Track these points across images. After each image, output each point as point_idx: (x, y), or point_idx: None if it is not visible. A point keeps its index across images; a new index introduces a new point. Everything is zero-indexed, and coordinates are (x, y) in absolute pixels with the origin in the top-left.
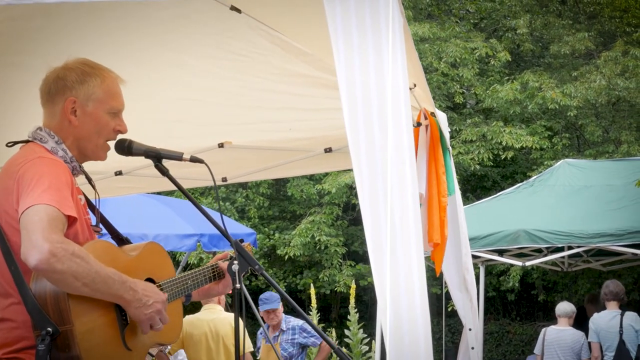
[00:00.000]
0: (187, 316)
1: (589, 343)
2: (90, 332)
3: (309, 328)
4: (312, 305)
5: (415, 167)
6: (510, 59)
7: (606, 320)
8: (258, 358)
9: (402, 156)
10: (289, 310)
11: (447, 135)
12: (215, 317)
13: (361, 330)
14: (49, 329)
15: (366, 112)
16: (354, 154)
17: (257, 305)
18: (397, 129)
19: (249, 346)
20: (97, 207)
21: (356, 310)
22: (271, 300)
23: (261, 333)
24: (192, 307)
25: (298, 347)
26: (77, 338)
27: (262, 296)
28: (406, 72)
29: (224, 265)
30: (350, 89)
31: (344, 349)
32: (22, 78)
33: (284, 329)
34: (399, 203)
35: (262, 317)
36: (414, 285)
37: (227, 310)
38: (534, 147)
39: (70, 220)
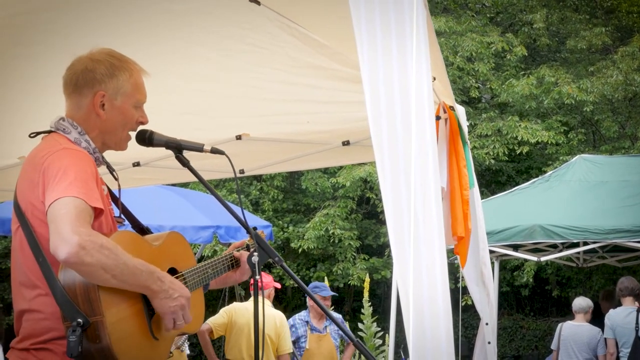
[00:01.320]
0: (234, 303)
1: (605, 339)
2: (119, 322)
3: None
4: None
5: (437, 160)
6: (526, 54)
7: (622, 316)
8: (307, 348)
9: (425, 149)
10: (302, 304)
11: (465, 129)
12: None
13: (375, 324)
14: (80, 320)
15: (389, 105)
16: (377, 146)
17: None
18: (420, 122)
19: (288, 347)
20: (119, 197)
21: (370, 303)
22: (322, 287)
23: (302, 320)
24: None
25: (340, 338)
26: (108, 329)
27: (315, 284)
28: (429, 64)
29: (238, 254)
30: (373, 81)
31: None
32: (33, 69)
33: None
34: (422, 196)
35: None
36: (436, 280)
37: (240, 300)
38: (549, 142)
39: (97, 212)
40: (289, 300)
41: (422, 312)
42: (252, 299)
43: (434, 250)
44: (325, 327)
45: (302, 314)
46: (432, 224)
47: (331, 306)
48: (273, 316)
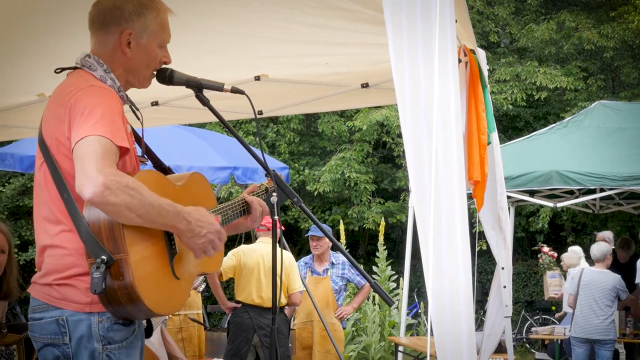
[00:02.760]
0: (242, 245)
1: (637, 284)
2: (142, 260)
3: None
4: (340, 241)
5: (460, 103)
6: None
7: None
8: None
9: (447, 92)
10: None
11: (485, 73)
12: (269, 250)
13: (389, 267)
14: (104, 257)
15: (411, 47)
16: (399, 89)
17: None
18: (443, 65)
19: (298, 285)
20: (142, 137)
21: (384, 247)
22: (317, 229)
23: (305, 263)
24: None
25: (345, 282)
26: (132, 267)
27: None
28: (453, 5)
29: (250, 199)
30: (395, 22)
31: None
32: (56, 6)
33: (334, 263)
34: (443, 139)
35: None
36: (455, 224)
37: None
38: (568, 88)
39: (122, 151)
40: (304, 243)
41: (441, 258)
42: (259, 240)
43: (454, 195)
44: (326, 269)
45: (307, 257)
46: (452, 168)
47: (347, 248)
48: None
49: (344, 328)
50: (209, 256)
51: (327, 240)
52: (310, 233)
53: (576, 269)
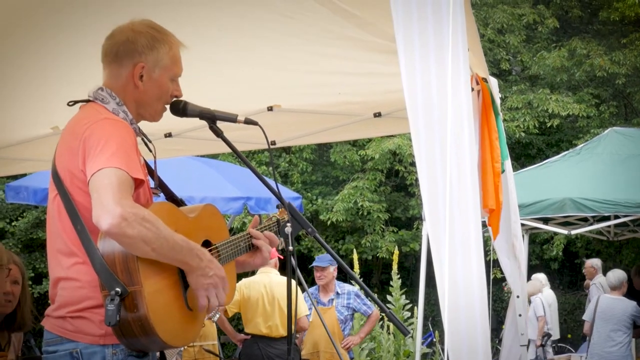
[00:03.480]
0: (243, 279)
1: None
2: (157, 293)
3: (362, 295)
4: (354, 270)
5: (474, 132)
6: (558, 26)
7: None
8: (310, 320)
9: (461, 121)
10: (339, 277)
11: (498, 101)
12: (271, 280)
13: (403, 297)
14: (118, 289)
15: (424, 76)
16: (412, 118)
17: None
18: (456, 93)
19: (304, 310)
20: (155, 169)
21: (398, 276)
22: (322, 259)
23: (312, 294)
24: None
25: (351, 312)
26: (146, 299)
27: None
28: (465, 35)
29: (257, 233)
30: (408, 51)
31: (385, 316)
32: (71, 39)
33: (339, 293)
34: (457, 168)
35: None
36: (470, 253)
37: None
38: (580, 115)
39: (137, 183)
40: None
41: (456, 287)
42: (259, 271)
43: (469, 223)
44: (331, 300)
45: (312, 288)
46: (467, 196)
47: (360, 277)
48: (283, 284)
49: (351, 358)
50: (211, 302)
51: (331, 270)
52: (314, 264)
53: (538, 296)
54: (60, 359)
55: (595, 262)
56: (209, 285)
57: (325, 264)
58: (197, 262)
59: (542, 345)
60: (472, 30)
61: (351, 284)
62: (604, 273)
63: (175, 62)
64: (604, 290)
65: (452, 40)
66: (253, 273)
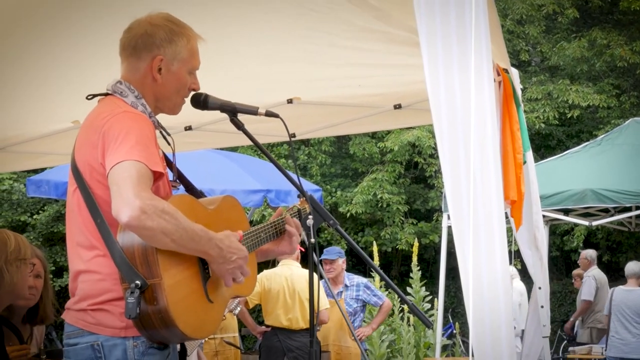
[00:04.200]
0: (264, 271)
1: None
2: (176, 285)
3: (373, 286)
4: (374, 262)
5: (496, 124)
6: (577, 16)
7: None
8: None
9: (484, 113)
10: (361, 270)
11: (519, 92)
12: (292, 272)
13: (423, 288)
14: (138, 282)
15: (447, 67)
16: (435, 110)
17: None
18: (480, 84)
19: (324, 303)
20: (174, 162)
21: (418, 268)
22: (331, 252)
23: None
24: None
25: (361, 303)
26: (166, 291)
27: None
28: (487, 25)
29: (288, 219)
30: (430, 43)
31: (405, 307)
32: (90, 32)
33: (348, 285)
34: (480, 161)
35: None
36: (494, 245)
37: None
38: (600, 105)
39: (156, 176)
40: None
41: (480, 278)
42: (281, 263)
43: (492, 215)
44: (340, 292)
45: (322, 280)
46: (490, 188)
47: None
48: (304, 276)
49: (365, 350)
50: (238, 282)
51: (340, 262)
52: (322, 257)
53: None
54: (82, 352)
55: (590, 254)
56: (233, 269)
57: (334, 256)
58: (217, 251)
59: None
60: (494, 20)
61: (371, 275)
62: (624, 265)
63: (193, 55)
64: (597, 283)
65: (474, 31)
66: (274, 265)
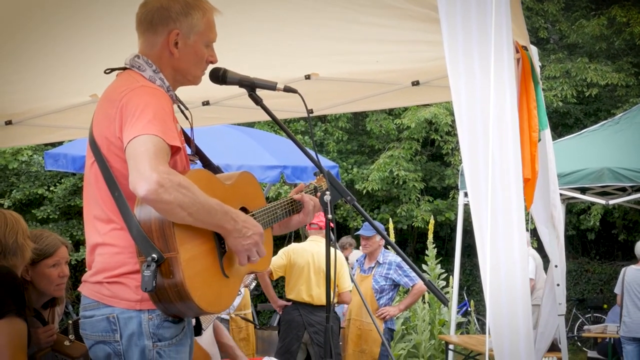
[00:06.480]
0: (293, 244)
1: None
2: (192, 259)
3: (406, 267)
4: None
5: (516, 102)
6: None
7: None
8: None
9: (503, 90)
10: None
11: (537, 70)
12: (320, 250)
13: (439, 266)
14: (154, 255)
15: (466, 44)
16: (454, 87)
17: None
18: (499, 61)
19: (347, 285)
20: (192, 136)
21: (434, 245)
22: (368, 228)
23: (357, 261)
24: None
25: (391, 282)
26: (182, 265)
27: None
28: (508, 2)
29: (299, 197)
30: (450, 19)
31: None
32: (108, 7)
33: (380, 262)
34: (499, 139)
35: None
36: (512, 223)
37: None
38: (619, 84)
39: (173, 150)
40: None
41: (498, 257)
42: (310, 238)
43: (511, 192)
44: (371, 268)
45: (361, 255)
46: (509, 165)
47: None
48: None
49: (392, 329)
50: (252, 261)
51: (377, 239)
52: (359, 232)
53: None
54: (97, 324)
55: None
56: (249, 245)
57: (370, 233)
58: (232, 224)
59: None
60: None
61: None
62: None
63: (209, 27)
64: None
65: (495, 8)
66: (304, 239)
